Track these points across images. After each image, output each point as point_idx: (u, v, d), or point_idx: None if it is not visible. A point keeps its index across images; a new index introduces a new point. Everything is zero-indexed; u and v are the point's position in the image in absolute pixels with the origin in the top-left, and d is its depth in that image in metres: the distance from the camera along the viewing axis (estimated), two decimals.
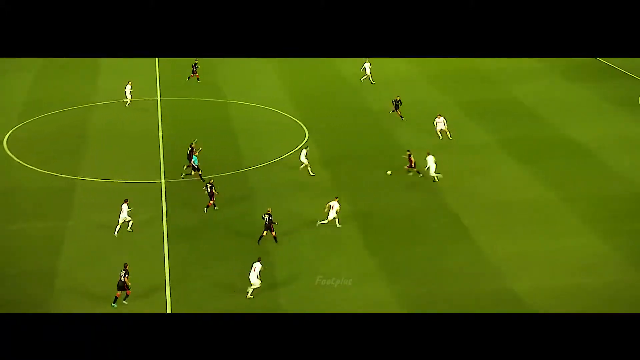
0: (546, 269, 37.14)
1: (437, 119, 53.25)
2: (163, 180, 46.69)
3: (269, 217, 39.01)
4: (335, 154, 49.95)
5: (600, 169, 48.57)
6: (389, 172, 46.81)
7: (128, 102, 59.33)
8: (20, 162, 49.28)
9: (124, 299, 34.19)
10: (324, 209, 40.82)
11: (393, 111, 56.39)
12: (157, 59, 72.86)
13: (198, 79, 65.27)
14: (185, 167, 47.40)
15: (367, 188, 45.83)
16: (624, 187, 45.87)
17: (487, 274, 36.79)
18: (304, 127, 55.45)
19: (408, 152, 47.08)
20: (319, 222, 40.66)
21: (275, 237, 39.24)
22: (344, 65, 70.49)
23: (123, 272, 34.06)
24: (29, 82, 65.96)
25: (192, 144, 47.72)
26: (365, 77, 64.85)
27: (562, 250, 38.82)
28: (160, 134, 54.40)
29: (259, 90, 64.36)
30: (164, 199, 44.28)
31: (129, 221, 40.42)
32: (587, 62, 71.87)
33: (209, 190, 42.47)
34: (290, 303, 34.43)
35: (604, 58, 72.78)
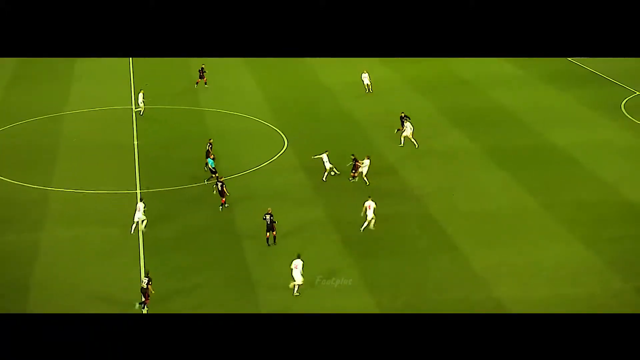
0: (530, 279, 37.12)
1: (405, 124, 53.24)
2: (139, 190, 46.24)
3: (270, 217, 39.37)
4: (315, 161, 49.65)
5: (583, 176, 48.74)
6: (334, 171, 47.56)
7: (141, 111, 58.90)
8: None
9: (142, 307, 34.19)
10: (361, 213, 41.10)
11: (398, 130, 53.62)
12: (131, 67, 72.45)
13: (206, 83, 65.34)
14: (205, 167, 47.76)
15: (348, 196, 45.67)
16: (607, 193, 46.04)
17: (471, 283, 36.73)
18: (283, 135, 55.23)
19: (352, 157, 47.30)
20: (362, 228, 40.91)
21: (274, 238, 39.72)
22: (323, 71, 70.62)
23: (146, 280, 34.26)
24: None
25: (210, 140, 48.79)
26: (365, 87, 64.65)
27: (545, 258, 38.84)
28: (135, 142, 53.94)
29: (235, 97, 64.13)
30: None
31: (143, 220, 40.78)
32: (569, 68, 72.35)
33: (220, 189, 43.18)
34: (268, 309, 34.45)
35: (586, 64, 73.29)
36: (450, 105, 62.21)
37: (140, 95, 58.94)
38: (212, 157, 47.44)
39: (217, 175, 46.08)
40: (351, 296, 35.68)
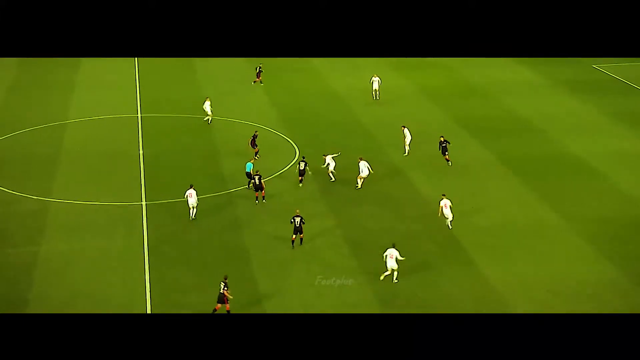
0: (550, 295, 36.69)
1: (404, 129, 53.29)
2: (144, 202, 46.11)
3: (300, 220, 40.31)
4: (326, 171, 49.53)
5: (604, 188, 48.35)
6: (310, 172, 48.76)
7: (209, 119, 59.05)
8: None
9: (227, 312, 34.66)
10: (438, 213, 42.35)
11: (445, 155, 51.08)
12: (137, 73, 72.61)
13: (261, 82, 67.87)
14: (255, 155, 50.91)
15: (361, 207, 45.46)
16: (631, 206, 45.62)
17: (486, 300, 36.37)
18: (293, 144, 55.03)
19: (302, 158, 48.96)
20: (450, 226, 42.32)
21: (302, 240, 40.73)
22: (332, 77, 70.67)
23: (223, 285, 34.71)
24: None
25: (255, 132, 52.20)
26: (373, 92, 64.71)
27: (565, 275, 38.41)
28: (141, 152, 53.85)
29: (243, 105, 63.97)
30: (145, 221, 43.71)
31: (195, 207, 43.50)
32: (589, 75, 72.02)
33: (257, 182, 45.20)
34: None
35: (607, 70, 72.95)
36: (464, 113, 61.98)
37: (207, 103, 58.96)
38: (252, 160, 48.30)
39: (250, 181, 46.87)
40: (362, 310, 35.32)
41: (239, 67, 72.95)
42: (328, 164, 48.63)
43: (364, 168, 47.44)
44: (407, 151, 52.92)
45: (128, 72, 73.02)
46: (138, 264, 39.23)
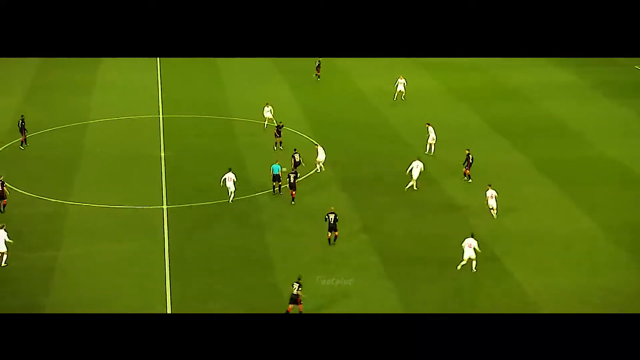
0: (582, 304, 36.31)
1: (429, 127, 53.56)
2: (165, 206, 46.30)
3: (334, 217, 41.05)
4: (353, 175, 49.50)
5: None
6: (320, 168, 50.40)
7: (273, 123, 58.67)
8: (7, 184, 48.61)
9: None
10: (486, 205, 44.05)
11: (465, 167, 49.53)
12: (158, 73, 73.04)
13: (317, 76, 70.45)
14: (276, 145, 53.94)
15: (388, 211, 45.37)
16: None
17: (517, 307, 36.12)
18: (319, 146, 54.91)
19: (294, 150, 49.93)
20: (495, 215, 44.06)
21: (335, 238, 41.45)
22: (359, 78, 70.70)
23: (297, 286, 35.03)
24: (18, 98, 65.93)
25: (280, 123, 54.22)
26: (397, 93, 64.96)
27: (603, 287, 38.00)
28: (162, 154, 54.09)
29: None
30: (165, 226, 43.87)
31: (233, 191, 45.62)
32: (631, 76, 71.39)
33: (292, 181, 46.04)
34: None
35: None
36: (499, 115, 61.87)
37: (268, 109, 58.67)
38: (277, 162, 48.16)
39: (280, 184, 47.25)
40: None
41: (262, 67, 73.18)
42: (318, 154, 50.23)
43: (416, 169, 47.59)
44: (431, 151, 53.11)
45: (150, 72, 73.47)
46: (158, 269, 39.37)
